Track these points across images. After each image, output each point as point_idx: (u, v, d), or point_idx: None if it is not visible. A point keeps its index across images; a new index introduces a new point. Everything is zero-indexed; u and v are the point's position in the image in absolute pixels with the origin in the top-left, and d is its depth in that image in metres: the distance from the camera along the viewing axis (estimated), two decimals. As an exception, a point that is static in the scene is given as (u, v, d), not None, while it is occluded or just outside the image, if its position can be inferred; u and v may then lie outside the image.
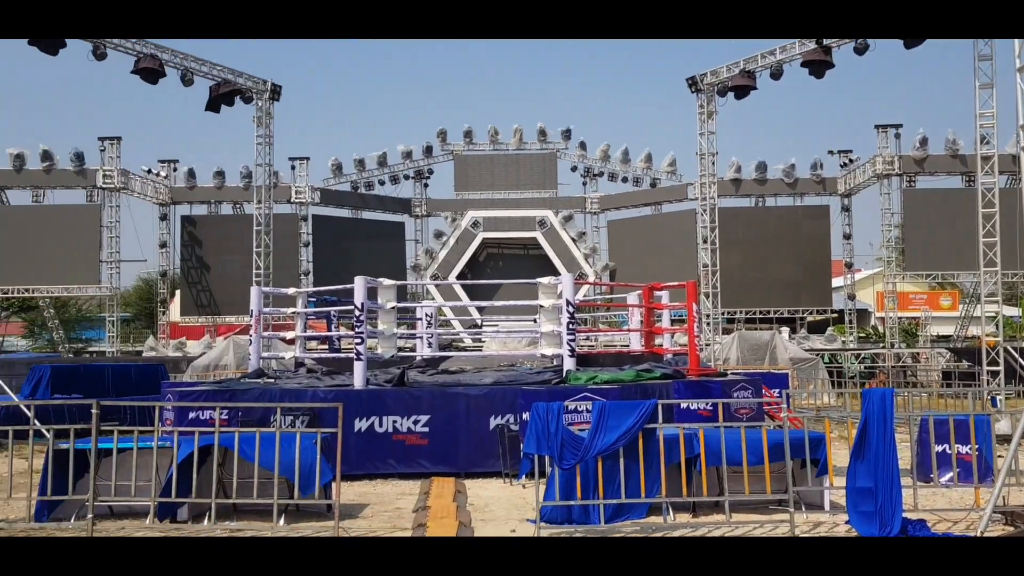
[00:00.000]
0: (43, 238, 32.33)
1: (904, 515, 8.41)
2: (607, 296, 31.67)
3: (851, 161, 34.53)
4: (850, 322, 35.80)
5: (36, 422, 9.82)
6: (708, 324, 26.72)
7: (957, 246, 29.60)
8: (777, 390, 15.41)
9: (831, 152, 35.44)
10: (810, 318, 37.10)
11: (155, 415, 9.69)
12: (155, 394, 17.04)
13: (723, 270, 33.32)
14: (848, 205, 35.62)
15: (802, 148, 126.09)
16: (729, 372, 17.24)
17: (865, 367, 30.58)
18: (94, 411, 8.71)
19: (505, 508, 10.15)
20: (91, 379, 18.35)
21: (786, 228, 35.29)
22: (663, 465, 8.66)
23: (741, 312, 35.35)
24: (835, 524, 8.84)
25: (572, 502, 8.60)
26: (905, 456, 11.34)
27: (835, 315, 36.93)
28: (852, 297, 36.23)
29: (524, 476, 11.10)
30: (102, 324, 38.39)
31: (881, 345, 32.90)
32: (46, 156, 32.54)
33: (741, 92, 24.24)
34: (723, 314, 34.83)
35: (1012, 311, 41.08)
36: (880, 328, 39.10)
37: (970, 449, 10.54)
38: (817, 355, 28.24)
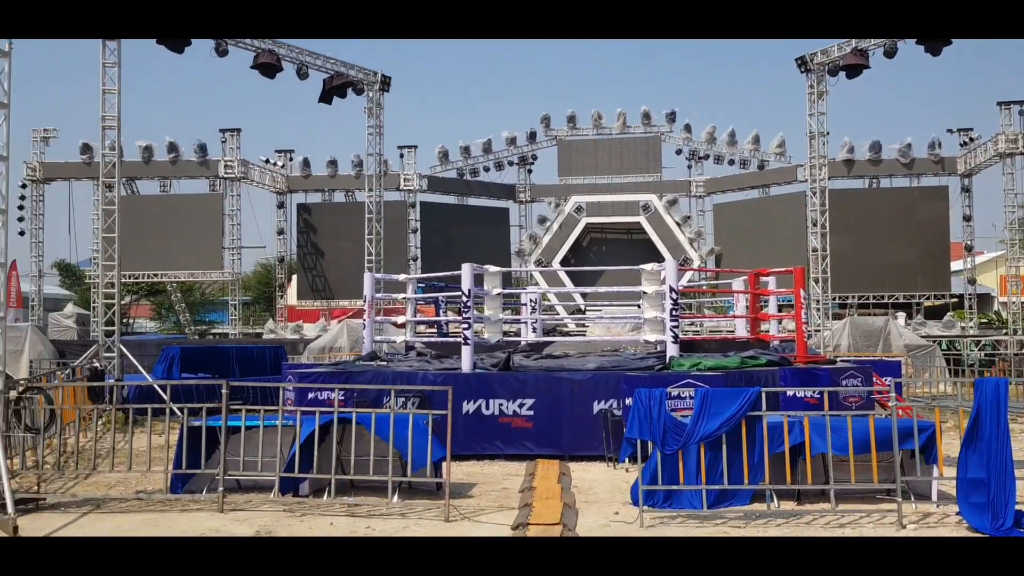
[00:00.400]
0: (169, 226, 34.23)
1: (1018, 507, 8.23)
2: (712, 282, 31.27)
3: (971, 140, 32.96)
4: (970, 307, 34.28)
5: (170, 400, 10.62)
6: (818, 310, 26.09)
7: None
8: (888, 378, 15.04)
9: (950, 131, 33.91)
10: (927, 303, 35.69)
11: (278, 395, 10.28)
12: (276, 374, 17.98)
13: (834, 254, 32.40)
14: (968, 186, 34.05)
15: (919, 127, 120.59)
16: (838, 359, 16.91)
17: (985, 355, 29.28)
18: (224, 391, 9.38)
19: (608, 491, 10.37)
20: (217, 359, 19.42)
21: (902, 210, 34.01)
22: (766, 453, 8.71)
23: (853, 297, 34.32)
24: (945, 515, 8.71)
25: (675, 487, 8.75)
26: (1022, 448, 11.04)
27: (955, 300, 35.41)
28: (972, 281, 34.69)
29: (626, 460, 11.26)
30: (224, 307, 40.40)
31: (1004, 332, 31.38)
32: (172, 148, 34.39)
33: (853, 71, 23.48)
34: (834, 299, 33.93)
35: None
36: (1003, 314, 37.26)
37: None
38: (934, 342, 27.22)
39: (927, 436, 9.11)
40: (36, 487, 9.80)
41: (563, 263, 37.06)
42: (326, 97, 25.32)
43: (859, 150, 34.19)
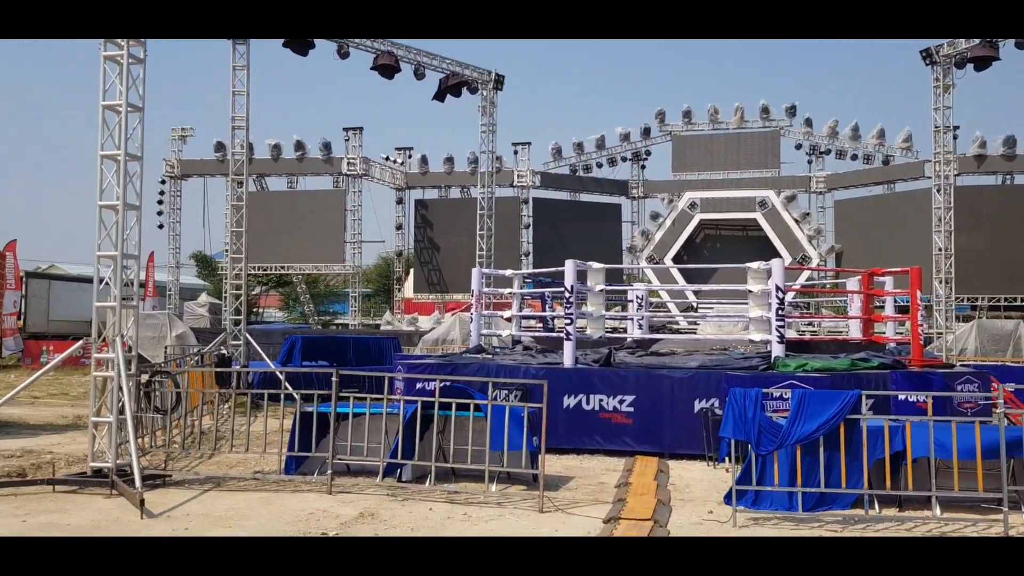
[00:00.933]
0: (295, 221, 35.88)
1: None
2: (824, 281, 30.37)
3: (1121, 132, 30.73)
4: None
5: (288, 386, 11.28)
6: (941, 311, 24.98)
7: None
8: (1011, 384, 14.35)
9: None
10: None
11: (385, 384, 10.77)
12: (391, 364, 18.69)
13: (965, 253, 30.89)
14: (1115, 181, 31.81)
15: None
16: (958, 364, 16.23)
17: None
18: (334, 379, 9.93)
19: (705, 490, 10.40)
20: (336, 349, 20.33)
21: (1038, 208, 32.09)
22: (865, 457, 8.57)
23: (983, 299, 32.63)
24: (1056, 528, 8.35)
25: (768, 488, 8.72)
26: None
27: None
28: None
29: (726, 459, 11.22)
30: (346, 299, 41.96)
31: None
32: (299, 146, 36.00)
33: (981, 63, 22.34)
34: (963, 301, 32.35)
35: None
36: None
37: None
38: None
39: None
40: (163, 465, 10.62)
41: (676, 260, 36.74)
42: (440, 95, 25.98)
43: (991, 144, 32.48)
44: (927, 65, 23.92)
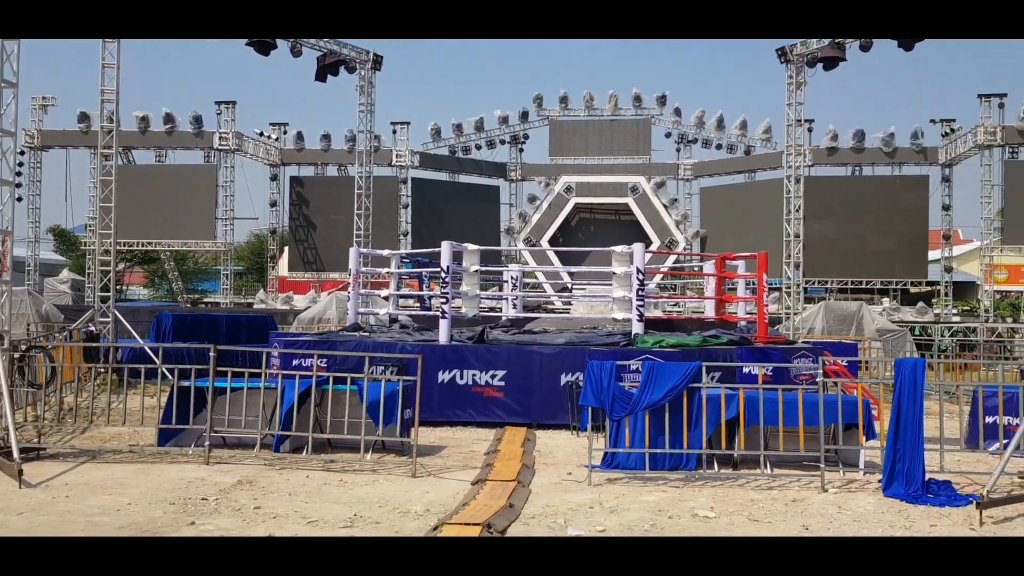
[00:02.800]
0: (164, 195, 34.84)
1: (931, 476, 9.08)
2: (691, 264, 32.06)
3: (953, 131, 33.67)
4: (946, 294, 35.15)
5: (159, 363, 11.37)
6: (791, 294, 26.94)
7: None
8: (845, 359, 15.87)
9: (933, 121, 34.66)
10: (914, 290, 36.51)
11: (263, 359, 11.05)
12: (264, 343, 18.72)
13: (816, 239, 33.26)
14: (949, 176, 34.78)
15: (905, 118, 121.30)
16: (801, 340, 17.73)
17: (958, 340, 30.15)
18: (212, 354, 10.16)
19: (567, 455, 11.21)
20: (208, 327, 20.13)
21: (883, 198, 34.77)
22: (705, 422, 9.52)
23: (833, 282, 35.18)
24: (867, 482, 9.53)
25: (621, 450, 9.57)
26: (954, 425, 11.89)
27: (946, 287, 36.20)
28: (949, 269, 35.52)
29: (587, 427, 12.07)
30: (216, 277, 41.10)
31: (982, 319, 32.26)
32: (168, 119, 34.93)
33: (830, 63, 24.17)
34: (815, 284, 34.80)
35: None
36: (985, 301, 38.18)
37: (1019, 420, 11.04)
38: (906, 327, 28.05)
39: (864, 411, 9.95)
40: (37, 439, 10.58)
41: (552, 242, 37.78)
42: (321, 75, 25.93)
43: (843, 138, 34.86)
44: (782, 63, 25.62)
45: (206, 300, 43.68)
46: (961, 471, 9.83)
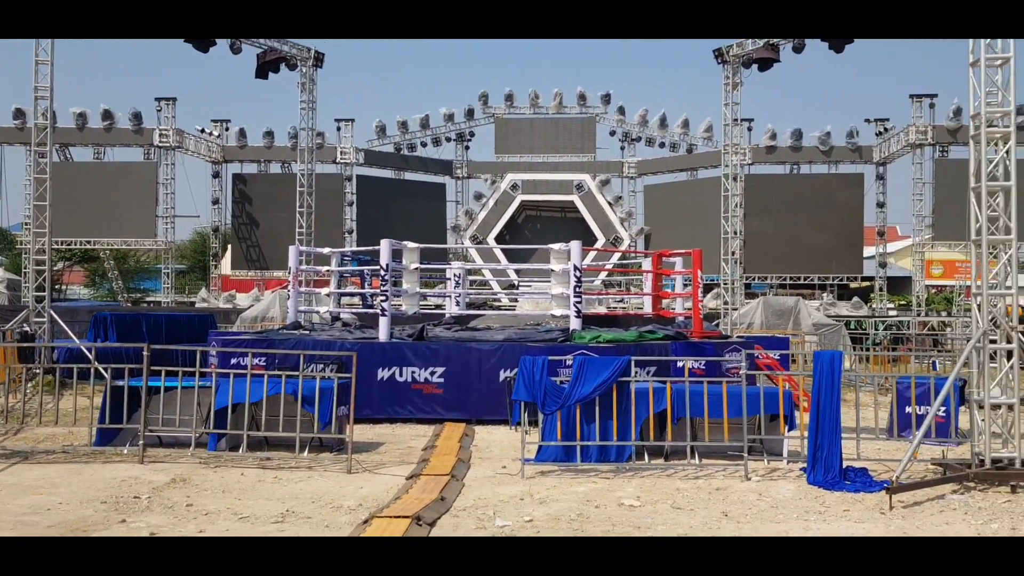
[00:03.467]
0: (104, 193, 34.21)
1: (848, 463, 9.48)
2: (636, 261, 32.54)
3: (887, 130, 34.68)
4: (881, 289, 36.20)
5: (97, 363, 11.30)
6: (730, 289, 27.54)
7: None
8: (777, 352, 16.33)
9: (867, 120, 35.66)
10: (853, 285, 37.50)
11: (198, 358, 11.04)
12: (205, 342, 18.61)
13: (756, 236, 34.03)
14: (883, 173, 35.81)
15: (841, 117, 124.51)
16: (736, 335, 18.18)
17: (891, 334, 31.07)
18: (145, 353, 10.15)
19: (504, 449, 11.42)
20: (147, 327, 19.88)
21: (820, 195, 35.65)
22: (634, 414, 9.80)
23: (773, 278, 36.00)
24: (789, 470, 9.90)
25: (551, 443, 9.80)
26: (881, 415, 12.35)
27: (885, 283, 37.20)
28: (884, 265, 36.58)
29: (522, 421, 12.29)
30: (158, 275, 40.45)
31: (914, 313, 33.30)
32: (107, 115, 34.31)
33: (764, 64, 24.76)
34: (755, 279, 35.59)
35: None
36: (922, 296, 39.37)
37: (942, 411, 11.56)
38: (840, 321, 28.84)
39: (786, 402, 10.34)
40: (-34, 441, 10.46)
41: (498, 239, 37.97)
42: (261, 73, 25.73)
43: (781, 137, 35.69)
44: (719, 64, 26.16)
45: (147, 299, 43.01)
46: (882, 459, 10.25)
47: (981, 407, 9.50)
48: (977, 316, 9.72)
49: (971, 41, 9.72)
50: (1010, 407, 9.59)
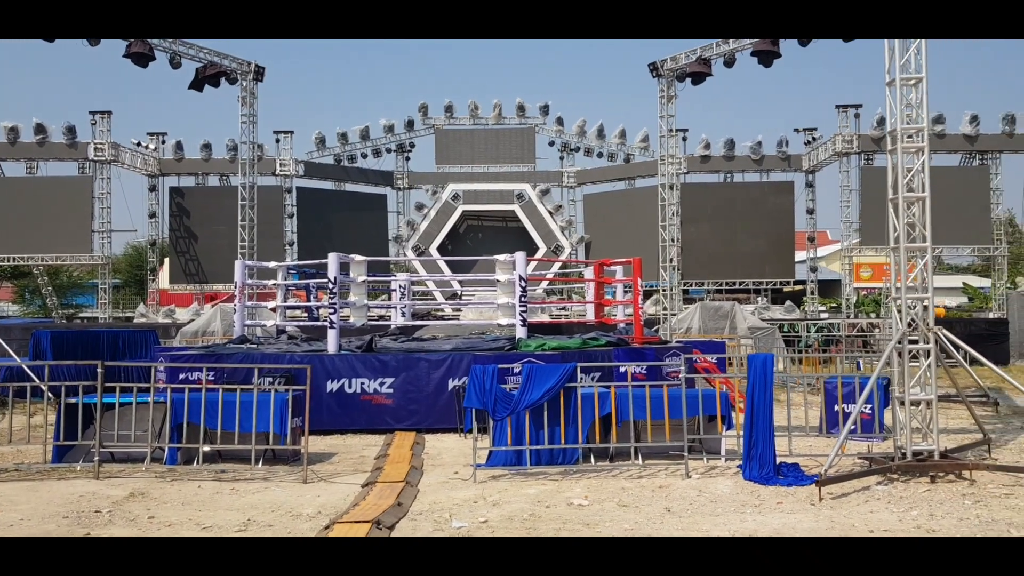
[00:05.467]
0: (37, 208, 33.53)
1: (781, 459, 10.06)
2: (578, 271, 33.13)
3: (815, 139, 35.96)
4: (812, 293, 37.45)
5: (40, 381, 11.30)
6: (668, 295, 28.29)
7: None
8: (714, 356, 16.99)
9: (796, 130, 36.91)
10: (787, 289, 38.66)
11: (151, 375, 11.15)
12: (147, 357, 18.50)
13: (692, 243, 34.96)
14: (812, 181, 37.09)
15: (771, 127, 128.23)
16: (674, 340, 18.80)
17: (823, 336, 32.22)
18: (99, 371, 10.23)
19: (455, 456, 11.75)
20: (87, 344, 19.65)
21: (753, 203, 36.73)
22: (580, 418, 10.24)
23: (710, 283, 36.98)
24: (727, 468, 10.45)
25: (502, 448, 10.18)
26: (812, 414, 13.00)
27: (816, 286, 38.41)
28: (814, 269, 37.84)
29: (471, 429, 12.64)
30: (92, 290, 39.65)
31: (844, 315, 34.55)
32: (39, 129, 33.65)
33: (697, 78, 25.59)
34: (692, 285, 36.52)
35: (984, 282, 43.02)
36: (851, 299, 40.80)
37: (868, 408, 12.28)
38: (775, 325, 29.83)
39: (722, 403, 10.88)
40: (-88, 463, 10.39)
41: (441, 249, 38.20)
42: (197, 84, 25.60)
43: (715, 146, 36.69)
44: (653, 78, 26.94)
45: (81, 315, 42.06)
46: (813, 454, 10.84)
47: (903, 404, 10.18)
48: (897, 318, 10.40)
49: (887, 61, 10.43)
50: (928, 403, 10.29)
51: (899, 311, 10.36)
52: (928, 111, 10.75)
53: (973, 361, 11.55)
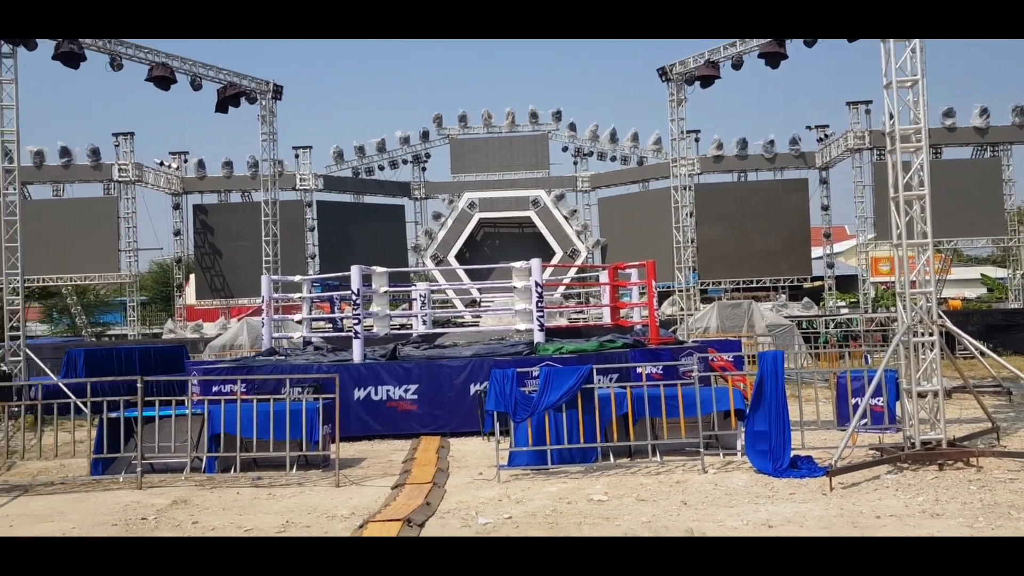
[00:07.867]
0: (64, 230, 34.42)
1: (795, 453, 10.42)
2: (595, 274, 33.51)
3: (827, 136, 36.19)
4: (829, 288, 37.62)
5: (75, 398, 11.85)
6: (685, 296, 28.64)
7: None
8: (728, 354, 17.35)
9: (809, 127, 37.17)
10: (806, 286, 38.87)
11: (187, 388, 11.69)
12: (179, 372, 19.08)
13: (707, 243, 35.31)
14: (826, 178, 37.30)
15: (785, 125, 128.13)
16: (691, 340, 19.17)
17: (841, 331, 32.41)
18: (139, 385, 10.77)
19: (479, 458, 12.19)
20: (121, 360, 20.30)
21: (767, 201, 36.99)
22: (597, 417, 10.65)
23: (727, 283, 37.25)
24: (743, 462, 10.81)
25: (523, 448, 10.61)
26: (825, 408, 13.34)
27: (834, 282, 38.53)
28: (831, 265, 38.02)
29: (491, 431, 13.07)
30: (119, 308, 40.50)
31: (862, 310, 34.72)
32: (64, 152, 34.57)
33: (706, 81, 25.94)
34: (709, 285, 36.82)
35: (1003, 273, 43.01)
36: (872, 293, 40.85)
37: (880, 401, 12.59)
38: (793, 322, 30.08)
39: (737, 400, 11.26)
40: (-34, 478, 10.96)
41: (458, 257, 38.74)
42: (221, 107, 26.28)
43: (728, 146, 37.00)
44: (663, 82, 27.33)
45: (110, 332, 42.90)
46: (827, 447, 11.20)
47: (911, 395, 10.53)
48: (902, 313, 10.76)
49: (883, 64, 10.80)
50: (935, 394, 10.63)
51: (903, 306, 10.70)
52: (926, 111, 11.10)
53: (982, 353, 11.89)
